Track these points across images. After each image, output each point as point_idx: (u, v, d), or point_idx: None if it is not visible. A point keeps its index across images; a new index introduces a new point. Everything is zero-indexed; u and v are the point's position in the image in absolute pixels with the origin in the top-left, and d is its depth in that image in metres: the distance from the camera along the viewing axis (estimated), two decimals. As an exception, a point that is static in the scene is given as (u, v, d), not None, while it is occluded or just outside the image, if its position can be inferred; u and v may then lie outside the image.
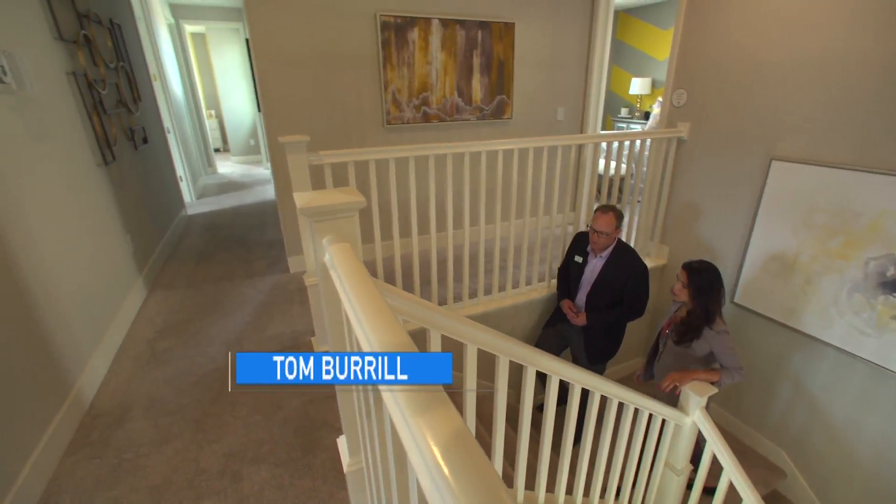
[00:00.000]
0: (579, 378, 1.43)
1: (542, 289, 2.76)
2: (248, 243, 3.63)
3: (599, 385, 1.53)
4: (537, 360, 1.29)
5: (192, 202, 4.81)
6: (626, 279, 2.29)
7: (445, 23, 2.97)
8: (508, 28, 3.20)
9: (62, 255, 1.88)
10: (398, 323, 0.54)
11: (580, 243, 2.42)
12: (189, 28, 5.96)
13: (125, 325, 2.37)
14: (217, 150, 7.56)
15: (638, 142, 2.83)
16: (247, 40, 3.89)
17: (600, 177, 4.22)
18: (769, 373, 2.71)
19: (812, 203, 2.32)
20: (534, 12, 3.30)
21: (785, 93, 2.33)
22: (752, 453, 2.82)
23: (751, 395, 2.84)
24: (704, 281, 1.97)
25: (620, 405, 1.71)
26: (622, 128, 6.63)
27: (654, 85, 6.18)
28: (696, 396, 1.95)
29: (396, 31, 2.84)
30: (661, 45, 5.93)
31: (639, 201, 3.15)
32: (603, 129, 6.06)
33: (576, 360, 2.56)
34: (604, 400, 1.65)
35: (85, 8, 2.48)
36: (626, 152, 2.83)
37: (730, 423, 2.96)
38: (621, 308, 2.33)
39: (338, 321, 0.88)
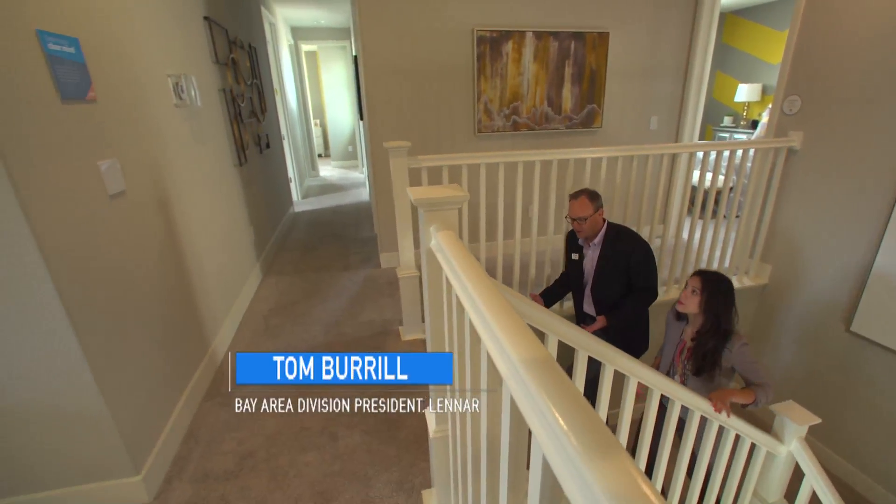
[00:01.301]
0: (664, 386, 1.44)
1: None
2: (344, 239, 4.01)
3: (680, 394, 1.51)
4: (638, 371, 1.34)
5: (299, 201, 5.40)
6: (627, 260, 2.05)
7: (539, 35, 3.07)
8: (602, 37, 3.21)
9: (208, 238, 2.29)
10: (528, 328, 0.55)
11: (573, 240, 2.20)
12: (304, 47, 6.72)
13: (246, 302, 2.79)
14: (319, 156, 8.34)
15: (739, 152, 2.68)
16: (354, 57, 4.31)
17: (694, 189, 3.99)
18: None
19: (955, 223, 2.03)
20: (630, 20, 3.27)
21: (923, 99, 2.08)
22: (867, 505, 2.50)
23: (871, 439, 2.52)
24: (720, 291, 1.72)
25: (703, 420, 1.66)
26: (724, 138, 6.15)
27: (764, 91, 5.67)
28: (792, 423, 1.81)
29: (491, 45, 3.00)
30: (774, 48, 5.44)
31: (737, 216, 2.95)
32: (702, 139, 5.69)
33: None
34: (683, 411, 1.62)
35: (234, 35, 2.99)
36: (724, 163, 2.69)
37: (839, 466, 2.65)
38: (634, 295, 2.09)
39: (438, 298, 1.02)
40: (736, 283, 2.90)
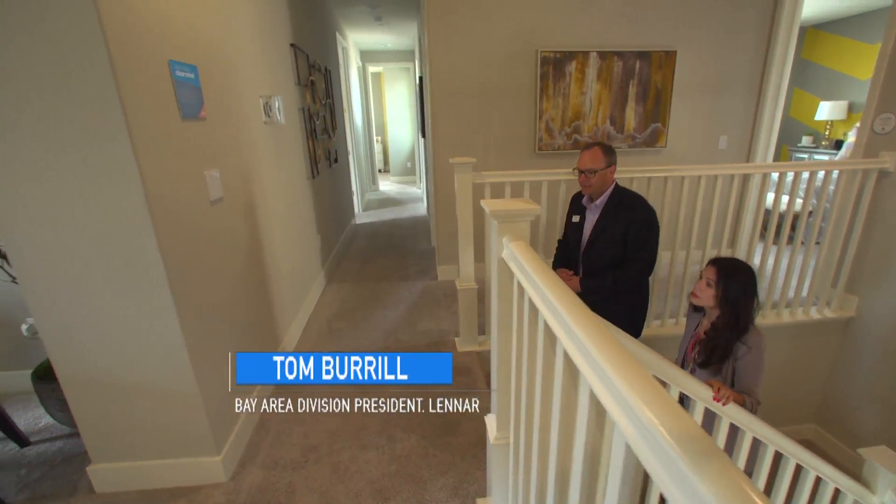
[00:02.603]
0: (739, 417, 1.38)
1: (671, 326, 2.59)
2: (402, 251, 4.15)
3: (755, 427, 1.44)
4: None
5: (359, 213, 5.67)
6: (626, 227, 1.84)
7: (603, 55, 3.08)
8: (669, 56, 3.16)
9: (283, 244, 2.48)
10: (655, 381, 0.49)
11: (576, 204, 2.04)
12: (371, 69, 7.12)
13: (311, 305, 2.97)
14: (379, 171, 8.72)
15: (821, 174, 2.52)
16: (420, 78, 4.52)
17: (767, 212, 3.76)
18: None
19: None
20: (700, 38, 3.20)
21: None
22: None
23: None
24: (738, 282, 1.54)
25: (778, 455, 1.56)
26: (802, 158, 5.75)
27: (851, 109, 5.26)
28: (887, 472, 1.65)
29: (555, 65, 3.05)
30: (864, 62, 5.06)
31: (817, 242, 2.75)
32: (777, 160, 5.35)
33: None
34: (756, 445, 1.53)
35: (313, 60, 3.26)
36: (803, 185, 2.53)
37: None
38: (622, 267, 1.87)
39: (507, 306, 1.07)
40: (816, 315, 2.70)
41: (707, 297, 1.59)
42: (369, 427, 1.90)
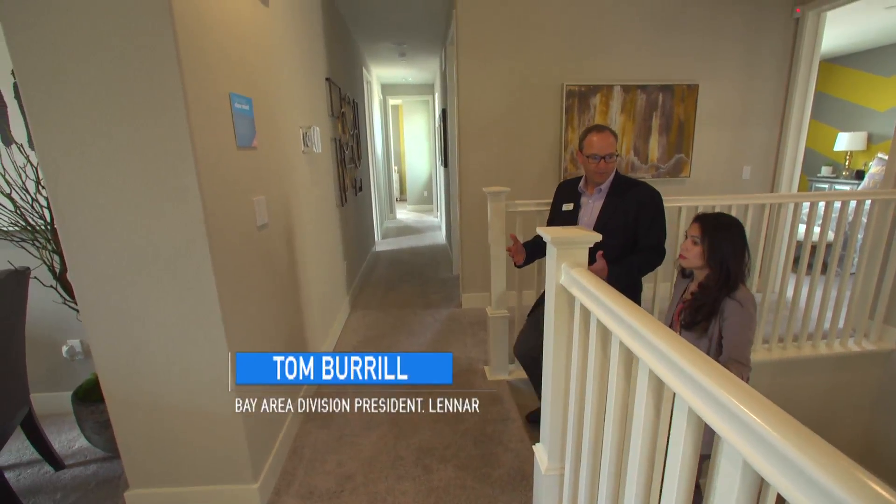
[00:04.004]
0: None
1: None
2: (423, 279, 4.17)
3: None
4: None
5: (379, 241, 5.73)
6: (637, 210, 1.76)
7: (627, 88, 3.16)
8: (692, 90, 3.24)
9: (315, 269, 2.51)
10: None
11: (566, 192, 1.95)
12: (391, 101, 7.36)
13: (338, 331, 2.97)
14: (396, 199, 8.87)
15: (853, 203, 2.51)
16: (443, 110, 4.66)
17: (798, 243, 3.73)
18: None
19: None
20: (722, 72, 3.28)
21: None
22: None
23: None
24: (725, 236, 1.44)
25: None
26: (822, 188, 5.73)
27: (870, 139, 5.28)
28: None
29: (579, 98, 3.13)
30: (881, 94, 5.10)
31: (852, 273, 2.71)
32: (797, 190, 5.35)
33: None
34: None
35: (344, 93, 3.39)
36: (834, 215, 2.52)
37: None
38: (643, 253, 1.78)
39: (565, 331, 1.07)
40: (854, 347, 2.63)
41: (694, 256, 1.49)
42: (405, 457, 1.87)
